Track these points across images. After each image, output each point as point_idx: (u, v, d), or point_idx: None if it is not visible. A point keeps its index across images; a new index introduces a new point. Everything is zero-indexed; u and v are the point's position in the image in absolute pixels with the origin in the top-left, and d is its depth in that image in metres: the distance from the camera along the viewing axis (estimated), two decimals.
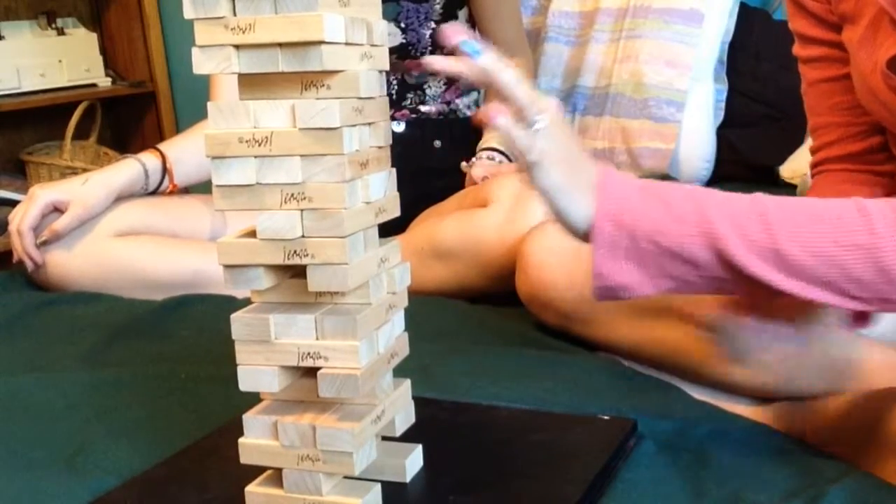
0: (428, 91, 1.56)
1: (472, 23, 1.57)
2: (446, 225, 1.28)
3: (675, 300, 0.97)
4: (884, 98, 0.89)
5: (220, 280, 1.29)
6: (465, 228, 1.25)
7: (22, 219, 1.29)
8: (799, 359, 0.90)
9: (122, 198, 1.35)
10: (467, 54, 0.68)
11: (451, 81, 1.57)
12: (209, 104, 0.63)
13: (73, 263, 1.30)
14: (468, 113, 1.61)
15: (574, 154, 0.71)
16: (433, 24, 1.48)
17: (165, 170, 1.37)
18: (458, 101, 1.59)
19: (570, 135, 0.72)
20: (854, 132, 1.01)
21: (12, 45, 2.43)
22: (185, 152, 1.39)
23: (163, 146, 1.40)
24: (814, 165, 1.06)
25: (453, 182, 1.45)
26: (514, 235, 1.15)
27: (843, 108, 1.00)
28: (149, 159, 1.37)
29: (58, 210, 1.30)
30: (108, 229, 1.31)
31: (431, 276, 1.26)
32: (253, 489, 0.69)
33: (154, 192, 1.38)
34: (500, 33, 1.56)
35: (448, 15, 1.50)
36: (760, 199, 0.71)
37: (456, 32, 0.70)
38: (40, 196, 1.29)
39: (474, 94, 1.64)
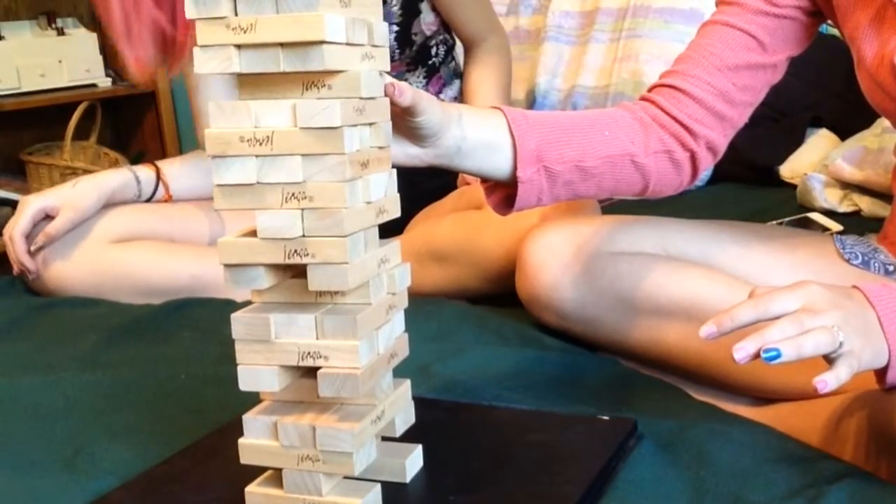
0: (401, 82, 1.49)
1: (437, 13, 1.51)
2: (443, 228, 1.28)
3: (677, 301, 0.97)
4: (892, 92, 0.89)
5: (218, 285, 1.29)
6: (461, 231, 1.24)
7: (13, 226, 1.29)
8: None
9: (115, 204, 1.35)
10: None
11: (430, 74, 1.54)
12: (210, 103, 0.63)
13: (71, 271, 1.30)
14: None
15: (851, 309, 0.72)
16: (395, 27, 1.45)
17: (159, 179, 1.37)
18: (441, 95, 1.56)
19: (834, 294, 0.72)
20: (723, 90, 0.96)
21: (12, 45, 2.43)
22: (178, 168, 1.41)
23: (158, 162, 1.42)
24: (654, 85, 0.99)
25: (447, 182, 1.44)
26: (511, 237, 1.15)
27: (731, 65, 0.96)
28: (141, 170, 1.38)
29: (49, 217, 1.30)
30: (105, 236, 1.31)
31: (430, 278, 1.26)
32: (253, 489, 0.69)
33: (149, 201, 1.38)
34: (466, 19, 1.51)
35: (409, 13, 1.45)
36: None
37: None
38: (31, 203, 1.29)
39: (457, 83, 1.60)
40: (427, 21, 1.48)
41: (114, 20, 1.28)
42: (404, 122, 0.75)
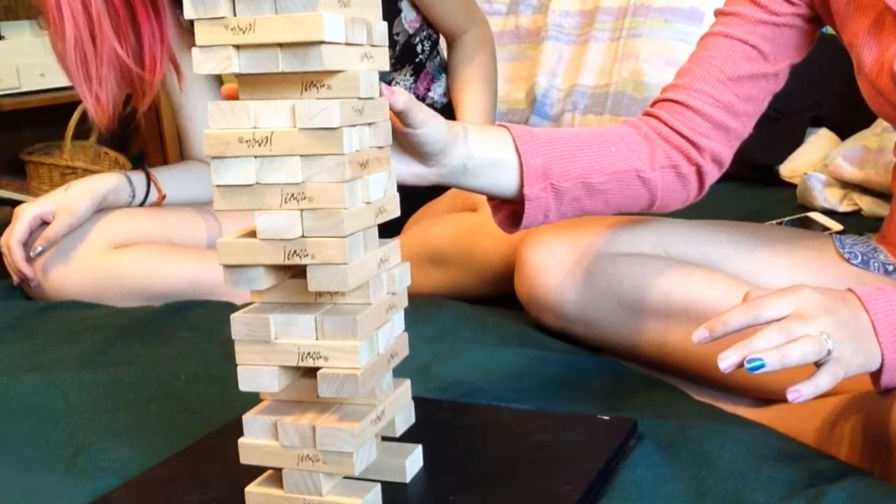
0: (397, 88, 1.45)
1: (417, 10, 1.49)
2: (439, 231, 1.27)
3: (677, 302, 0.97)
4: (892, 99, 0.89)
5: (218, 289, 1.29)
6: (457, 234, 1.24)
7: (9, 235, 1.28)
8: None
9: (110, 208, 1.34)
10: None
11: (417, 72, 1.52)
12: (210, 103, 0.63)
13: (70, 278, 1.29)
14: (444, 101, 1.56)
15: (844, 314, 0.72)
16: None
17: (150, 180, 1.37)
18: (430, 93, 1.55)
19: (827, 299, 0.72)
20: (725, 102, 0.96)
21: (12, 45, 2.43)
22: (169, 173, 1.41)
23: (149, 168, 1.42)
24: (658, 99, 0.99)
25: None
26: (507, 240, 1.15)
27: (733, 76, 0.96)
28: (132, 173, 1.38)
29: (45, 223, 1.29)
30: (104, 242, 1.30)
31: (428, 282, 1.25)
32: (253, 489, 0.69)
33: (143, 204, 1.38)
34: (446, 14, 1.49)
35: (389, 14, 1.43)
36: None
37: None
38: (25, 211, 1.29)
39: (444, 78, 1.58)
40: (409, 19, 1.47)
41: (69, 55, 1.24)
42: (408, 137, 0.75)
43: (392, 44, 1.45)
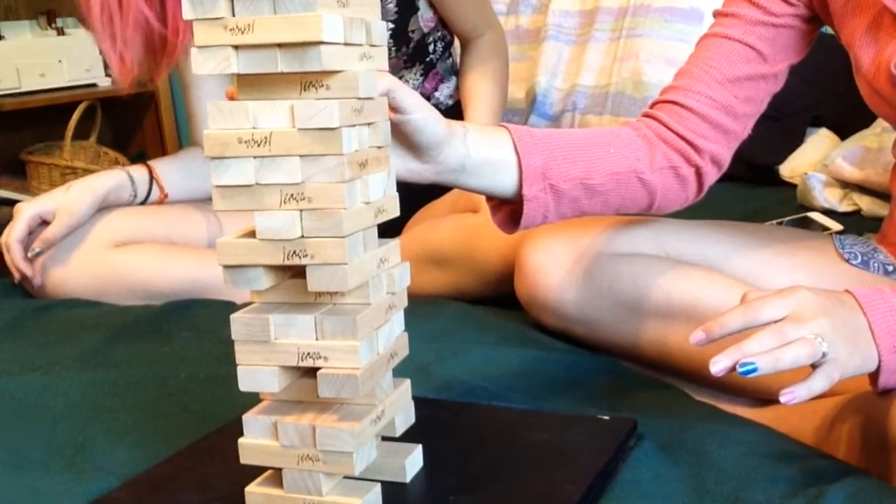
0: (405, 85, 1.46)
1: (434, 10, 1.50)
2: (440, 231, 1.27)
3: (677, 303, 0.97)
4: (890, 99, 0.89)
5: (218, 289, 1.29)
6: (458, 236, 1.24)
7: (8, 234, 1.28)
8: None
9: (113, 206, 1.34)
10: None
11: (427, 71, 1.53)
12: (209, 104, 0.63)
13: (71, 277, 1.29)
14: (450, 103, 1.57)
15: (841, 316, 0.72)
16: (391, 24, 1.43)
17: (153, 178, 1.37)
18: (437, 93, 1.56)
19: (824, 300, 0.72)
20: (724, 104, 0.96)
21: (12, 45, 2.43)
22: (172, 169, 1.40)
23: (151, 162, 1.41)
24: (656, 102, 1.00)
25: None
26: (508, 241, 1.14)
27: (733, 77, 0.96)
28: (135, 170, 1.38)
29: (45, 222, 1.29)
30: (105, 240, 1.30)
31: (428, 281, 1.26)
32: (253, 489, 0.69)
33: (144, 203, 1.38)
34: (462, 15, 1.51)
35: (406, 10, 1.44)
36: None
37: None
38: (25, 210, 1.29)
39: (454, 80, 1.59)
40: (425, 18, 1.47)
41: (94, 15, 1.24)
42: (400, 126, 0.75)
43: (406, 41, 1.46)
